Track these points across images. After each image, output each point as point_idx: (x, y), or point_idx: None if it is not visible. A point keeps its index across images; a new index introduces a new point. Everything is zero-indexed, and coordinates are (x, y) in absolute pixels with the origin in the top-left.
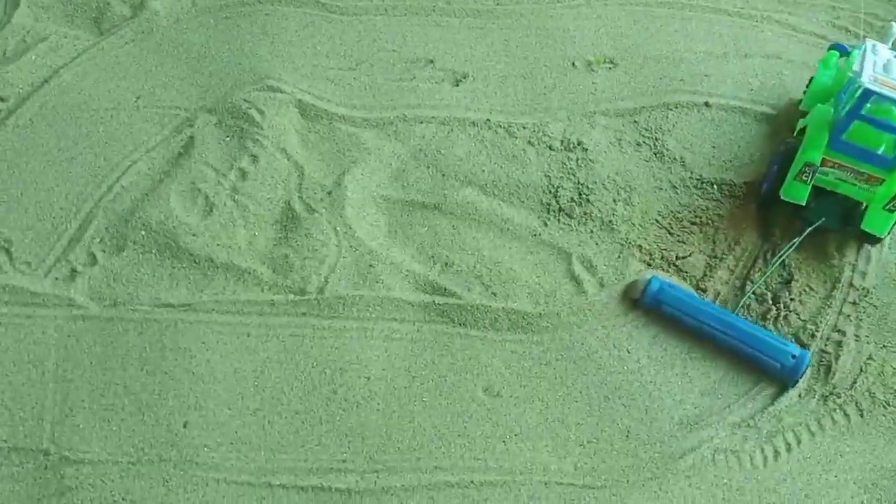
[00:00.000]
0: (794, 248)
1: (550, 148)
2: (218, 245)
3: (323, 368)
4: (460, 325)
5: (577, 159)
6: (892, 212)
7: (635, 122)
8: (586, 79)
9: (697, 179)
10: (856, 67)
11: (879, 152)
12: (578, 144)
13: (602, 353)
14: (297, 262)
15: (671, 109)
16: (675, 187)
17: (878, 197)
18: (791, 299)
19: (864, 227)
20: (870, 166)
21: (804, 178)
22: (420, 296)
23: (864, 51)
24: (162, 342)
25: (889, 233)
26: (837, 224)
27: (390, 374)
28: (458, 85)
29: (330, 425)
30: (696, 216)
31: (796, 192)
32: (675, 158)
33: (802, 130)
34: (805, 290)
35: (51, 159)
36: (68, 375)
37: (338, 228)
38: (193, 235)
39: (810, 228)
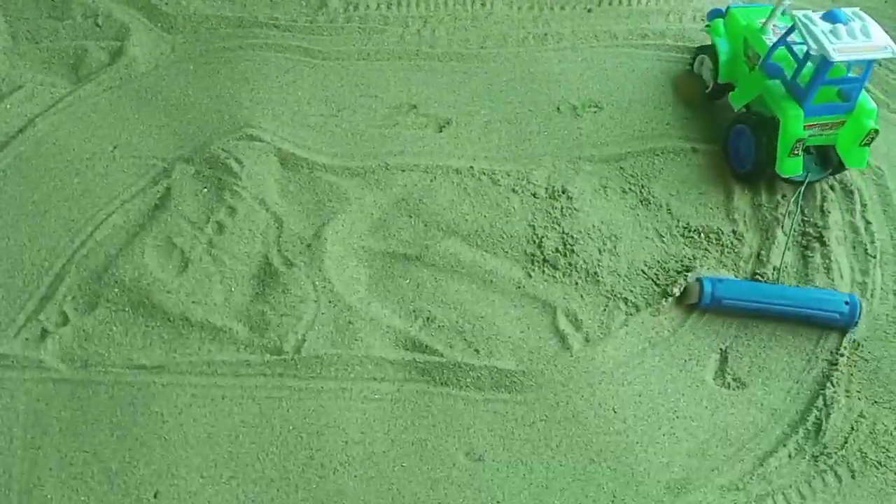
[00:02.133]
0: (798, 208)
1: (535, 196)
2: (193, 302)
3: (299, 432)
4: (442, 384)
5: (562, 207)
6: (867, 146)
7: (621, 168)
8: (571, 123)
9: (684, 227)
10: (813, 45)
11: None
12: (563, 192)
13: (587, 412)
14: (274, 320)
15: (657, 155)
16: (661, 236)
17: (844, 137)
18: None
19: (849, 165)
20: (836, 116)
21: (796, 152)
22: (400, 353)
23: (803, 26)
24: (133, 406)
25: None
26: (821, 173)
27: (369, 438)
28: (441, 131)
29: (306, 493)
30: (682, 266)
31: (792, 166)
32: (661, 206)
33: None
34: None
35: (23, 212)
36: (37, 442)
37: (316, 283)
38: (168, 292)
39: (802, 187)
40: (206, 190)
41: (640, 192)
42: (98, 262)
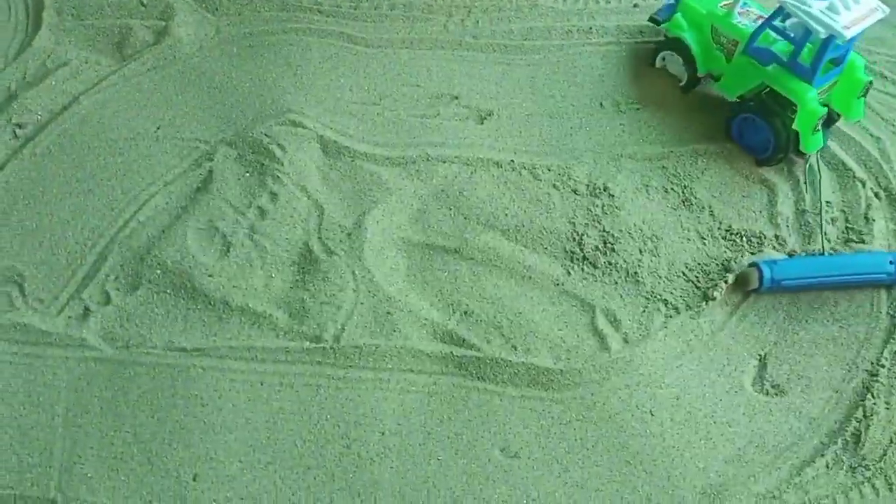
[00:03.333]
0: (819, 175)
1: (575, 192)
2: (234, 287)
3: (337, 421)
4: (478, 378)
5: (603, 205)
6: (864, 97)
7: (663, 167)
8: (614, 120)
9: (726, 230)
10: (818, 28)
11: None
12: (605, 190)
13: (624, 414)
14: (314, 308)
15: (700, 155)
16: (702, 238)
17: (840, 94)
18: None
19: (852, 118)
20: (833, 79)
21: (818, 129)
22: (438, 346)
23: (798, 10)
24: (174, 388)
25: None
26: (827, 130)
27: (405, 430)
28: (482, 123)
29: (342, 482)
30: (723, 269)
31: (817, 141)
32: (703, 207)
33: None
34: None
35: (67, 191)
36: (78, 420)
37: (356, 272)
38: (209, 276)
39: (817, 151)
40: (248, 174)
41: (683, 192)
42: (140, 242)
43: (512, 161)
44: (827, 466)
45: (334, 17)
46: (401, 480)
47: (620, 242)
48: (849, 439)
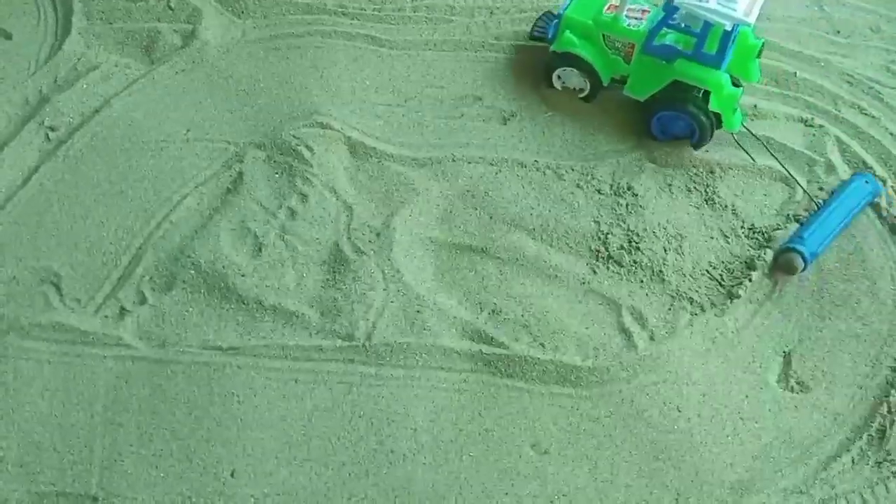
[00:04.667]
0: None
1: (599, 192)
2: (266, 286)
3: (370, 418)
4: (507, 376)
5: (627, 205)
6: (759, 58)
7: (685, 167)
8: (636, 120)
9: (749, 228)
10: (723, 21)
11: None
12: (628, 189)
13: (652, 411)
14: (346, 306)
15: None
16: (726, 236)
17: (737, 60)
18: None
19: (752, 80)
20: (733, 52)
21: (735, 108)
22: (467, 344)
23: (695, 8)
24: (210, 386)
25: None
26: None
27: (436, 426)
28: (505, 123)
29: (376, 478)
30: (747, 267)
31: (738, 120)
32: (726, 206)
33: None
34: None
35: (101, 192)
36: (117, 419)
37: (385, 271)
38: (242, 276)
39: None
40: (277, 175)
41: (705, 191)
42: (174, 243)
43: (536, 161)
44: (853, 462)
45: (359, 19)
46: (433, 476)
47: (645, 241)
48: (874, 435)
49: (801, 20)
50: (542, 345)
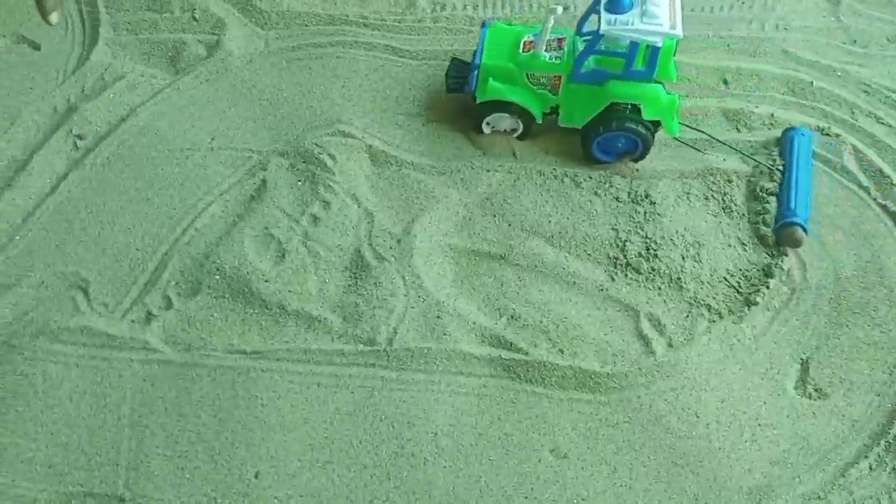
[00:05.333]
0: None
1: (617, 199)
2: (290, 291)
3: (391, 422)
4: (527, 381)
5: (645, 212)
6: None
7: (703, 175)
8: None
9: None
10: (653, 40)
11: None
12: (646, 197)
13: (670, 417)
14: (367, 312)
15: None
16: (743, 244)
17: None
18: None
19: (669, 78)
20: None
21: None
22: (486, 349)
23: (622, 34)
24: (234, 389)
25: None
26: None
27: (457, 431)
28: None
29: (398, 481)
30: (764, 274)
31: (677, 125)
32: (742, 214)
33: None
34: None
35: (128, 199)
36: (144, 421)
37: (406, 277)
38: (266, 281)
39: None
40: (300, 183)
41: (723, 199)
42: (199, 249)
43: (554, 169)
44: (870, 468)
45: (380, 30)
46: (454, 480)
47: (663, 249)
48: (892, 441)
49: (819, 30)
50: (561, 350)
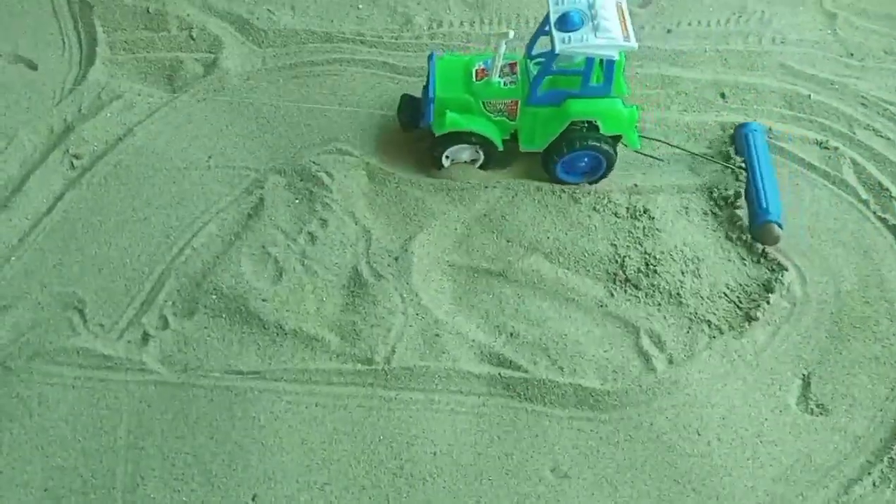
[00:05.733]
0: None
1: (616, 215)
2: (287, 311)
3: (390, 442)
4: (526, 399)
5: (644, 227)
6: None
7: (702, 190)
8: (652, 144)
9: (762, 251)
10: (609, 54)
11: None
12: (644, 212)
13: (672, 434)
14: (365, 330)
15: (738, 179)
16: (742, 259)
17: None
18: None
19: (623, 93)
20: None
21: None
22: (485, 367)
23: (579, 51)
24: (231, 410)
25: None
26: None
27: (456, 450)
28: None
29: (396, 502)
30: (764, 289)
31: (638, 138)
32: (743, 228)
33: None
34: None
35: (124, 218)
36: (140, 443)
37: (404, 295)
38: (263, 300)
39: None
40: (298, 201)
41: (722, 214)
42: (196, 269)
43: (552, 185)
44: (874, 485)
45: (377, 47)
46: (453, 500)
47: (662, 264)
48: (895, 457)
49: (815, 43)
50: (561, 368)
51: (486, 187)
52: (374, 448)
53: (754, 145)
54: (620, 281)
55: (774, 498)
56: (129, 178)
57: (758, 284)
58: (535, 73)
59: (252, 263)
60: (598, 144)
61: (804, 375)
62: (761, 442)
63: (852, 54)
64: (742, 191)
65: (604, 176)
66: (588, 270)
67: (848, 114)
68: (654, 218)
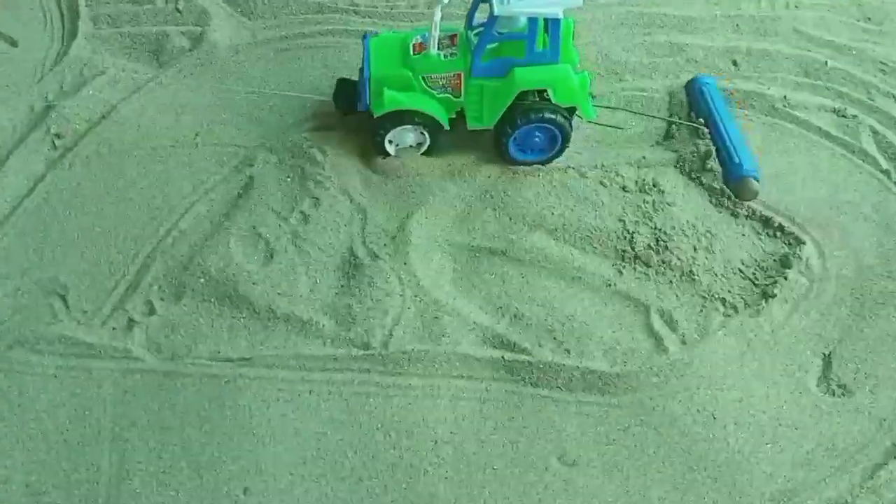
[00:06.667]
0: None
1: (624, 189)
2: (279, 294)
3: (388, 430)
4: (531, 384)
5: (654, 202)
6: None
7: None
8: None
9: (778, 225)
10: (549, 11)
11: None
12: (654, 186)
13: (685, 418)
14: (361, 313)
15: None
16: (758, 233)
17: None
18: None
19: (573, 62)
20: None
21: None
22: (488, 351)
23: (518, 11)
24: (221, 399)
25: None
26: None
27: (458, 438)
28: None
29: (396, 493)
30: (781, 265)
31: (592, 108)
32: (757, 201)
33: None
34: None
35: (108, 200)
36: (125, 435)
37: (402, 276)
38: (253, 283)
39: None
40: (289, 179)
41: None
42: (183, 251)
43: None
44: None
45: (371, 17)
46: (456, 491)
47: (673, 240)
48: None
49: (831, 7)
50: (568, 350)
51: (487, 162)
52: (371, 437)
53: (711, 99)
54: (629, 258)
55: (795, 484)
56: (112, 158)
57: (774, 260)
58: (477, 42)
59: (242, 245)
60: (554, 116)
61: (825, 355)
62: (780, 425)
63: (870, 18)
64: (713, 149)
65: (559, 153)
66: (595, 248)
67: (866, 80)
68: (663, 192)
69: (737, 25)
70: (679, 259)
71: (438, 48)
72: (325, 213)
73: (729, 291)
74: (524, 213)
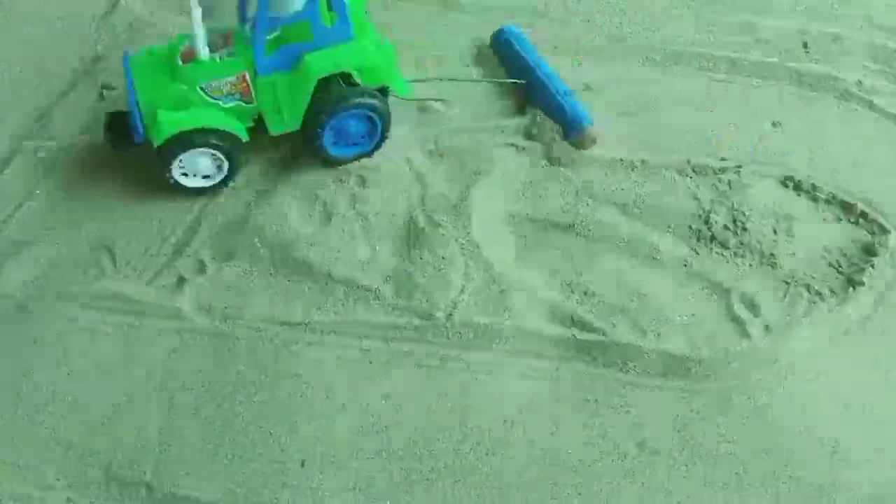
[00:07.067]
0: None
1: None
2: (337, 258)
3: (452, 406)
4: (604, 365)
5: (729, 181)
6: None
7: None
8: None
9: (861, 213)
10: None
11: None
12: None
13: (774, 409)
14: (422, 282)
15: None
16: (839, 218)
17: None
18: None
19: (366, 36)
20: None
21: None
22: (557, 328)
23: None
24: (276, 366)
25: None
26: None
27: (528, 419)
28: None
29: (461, 474)
30: (865, 253)
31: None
32: (839, 185)
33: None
34: None
35: None
36: (175, 399)
37: (464, 246)
38: (311, 245)
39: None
40: None
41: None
42: (237, 210)
43: None
44: None
45: None
46: (525, 476)
47: (752, 221)
48: None
49: None
50: (644, 331)
51: (552, 128)
52: (435, 413)
53: (520, 48)
54: (705, 238)
55: (894, 487)
56: None
57: (857, 247)
58: (253, 35)
59: (298, 206)
60: (364, 100)
61: None
62: (875, 421)
63: None
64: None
65: (381, 141)
66: (668, 226)
67: None
68: (740, 169)
69: (810, 9)
70: (758, 241)
71: (211, 50)
72: (384, 177)
73: (813, 277)
74: (591, 187)
